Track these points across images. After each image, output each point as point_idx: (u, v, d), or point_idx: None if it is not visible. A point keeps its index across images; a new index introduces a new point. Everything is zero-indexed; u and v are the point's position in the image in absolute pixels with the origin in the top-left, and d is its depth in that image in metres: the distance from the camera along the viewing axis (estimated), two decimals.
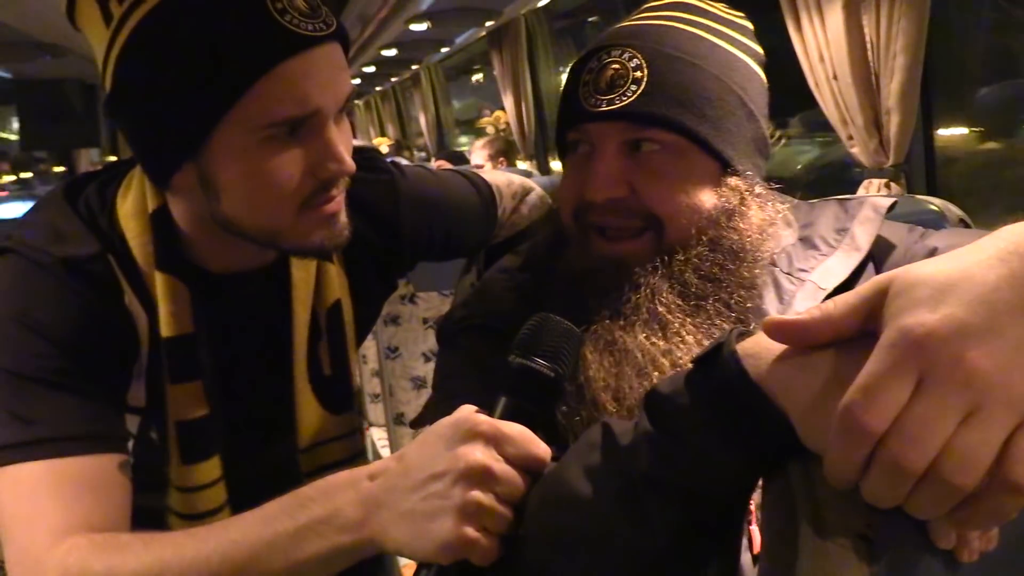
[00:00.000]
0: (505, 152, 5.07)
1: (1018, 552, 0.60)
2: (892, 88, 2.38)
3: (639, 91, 0.87)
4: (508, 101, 6.02)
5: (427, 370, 2.88)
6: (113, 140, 6.68)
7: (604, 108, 0.88)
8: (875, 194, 0.95)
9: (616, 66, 0.89)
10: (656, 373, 0.83)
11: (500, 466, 0.68)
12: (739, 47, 0.94)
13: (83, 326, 0.89)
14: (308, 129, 0.85)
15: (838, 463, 0.49)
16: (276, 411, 1.04)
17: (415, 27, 5.25)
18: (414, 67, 8.10)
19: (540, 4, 4.97)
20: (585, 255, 0.92)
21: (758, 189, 0.92)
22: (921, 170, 2.61)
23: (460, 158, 5.48)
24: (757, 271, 0.89)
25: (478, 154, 5.05)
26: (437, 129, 8.32)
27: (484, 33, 5.84)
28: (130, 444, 0.95)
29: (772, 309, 0.89)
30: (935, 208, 1.40)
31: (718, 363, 0.57)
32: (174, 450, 0.97)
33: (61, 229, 0.93)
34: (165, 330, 0.94)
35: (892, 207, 0.94)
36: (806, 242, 0.94)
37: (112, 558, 0.80)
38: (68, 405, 0.87)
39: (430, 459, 0.70)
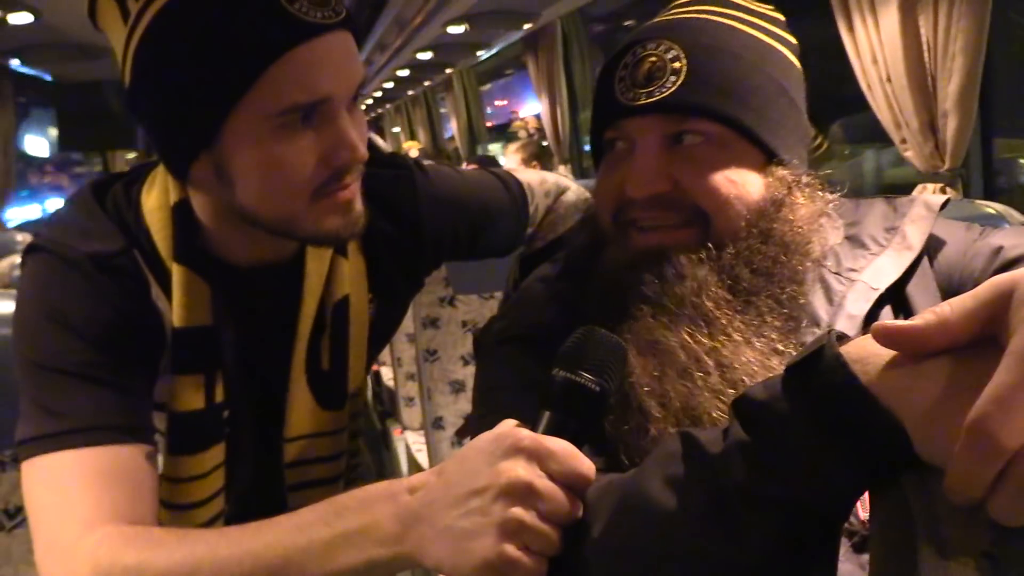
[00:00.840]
0: (538, 156, 5.05)
1: None
2: (950, 90, 2.32)
3: (679, 82, 0.85)
4: (543, 105, 6.00)
5: (466, 373, 2.86)
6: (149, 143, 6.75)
7: (643, 101, 0.85)
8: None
9: (653, 59, 0.86)
10: (700, 374, 0.80)
11: (543, 483, 0.66)
12: (774, 37, 0.92)
13: (111, 321, 0.90)
14: (320, 117, 0.86)
15: (965, 479, 0.46)
16: (270, 399, 1.05)
17: (453, 30, 5.25)
18: (448, 71, 8.10)
19: (578, 6, 4.94)
20: (624, 250, 0.89)
21: (805, 180, 0.89)
22: (979, 174, 2.54)
23: (492, 163, 5.46)
24: (809, 264, 0.87)
25: (511, 158, 5.04)
26: (469, 134, 8.31)
27: (520, 37, 5.83)
28: (158, 439, 0.95)
29: (821, 310, 0.86)
30: (994, 212, 1.35)
31: (821, 368, 0.53)
32: (164, 440, 0.98)
33: (88, 226, 0.95)
34: (176, 321, 0.95)
35: (944, 205, 0.91)
36: (854, 241, 0.91)
37: (144, 552, 0.80)
38: (97, 397, 0.88)
39: (471, 474, 0.68)
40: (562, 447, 0.68)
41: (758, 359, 0.81)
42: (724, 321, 0.82)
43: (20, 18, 3.81)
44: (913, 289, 0.86)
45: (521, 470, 0.66)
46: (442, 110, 9.64)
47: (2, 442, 1.11)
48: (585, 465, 0.68)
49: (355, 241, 1.07)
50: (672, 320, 0.83)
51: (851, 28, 2.55)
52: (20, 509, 1.12)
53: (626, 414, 0.81)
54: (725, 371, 0.80)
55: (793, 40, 0.93)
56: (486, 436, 0.70)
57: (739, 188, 0.85)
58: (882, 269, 0.86)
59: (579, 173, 5.75)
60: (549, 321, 0.91)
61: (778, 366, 0.81)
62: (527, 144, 5.29)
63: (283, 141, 0.85)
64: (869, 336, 0.52)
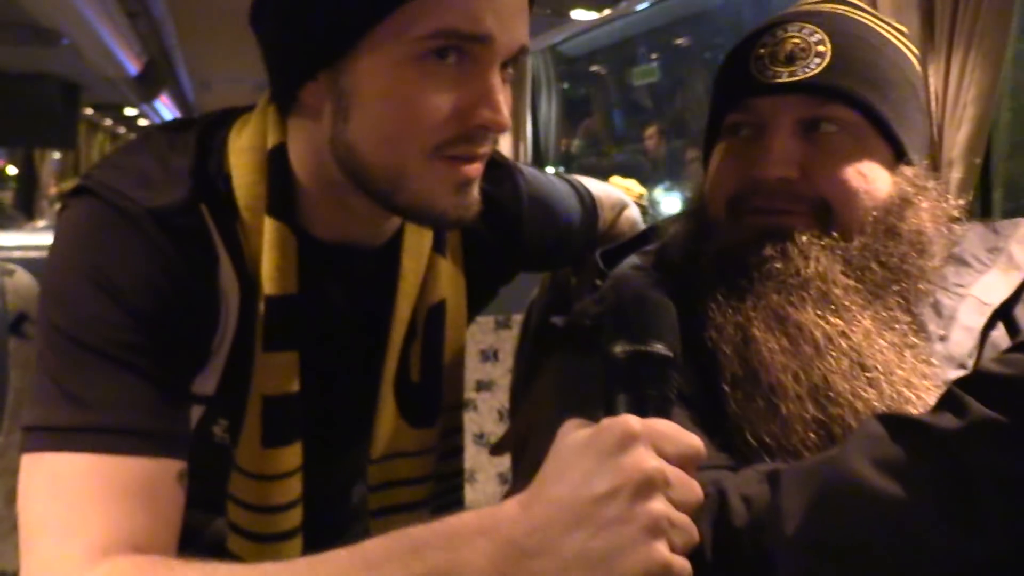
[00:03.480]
0: None
1: None
2: (958, 139, 2.38)
3: (823, 64, 0.83)
4: (505, 140, 6.01)
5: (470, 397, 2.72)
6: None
7: (784, 79, 0.84)
8: None
9: (796, 40, 0.85)
10: (834, 353, 0.77)
11: (671, 469, 0.58)
12: (902, 43, 0.92)
13: (165, 293, 0.76)
14: (472, 61, 0.75)
15: None
16: (356, 412, 0.93)
17: None
18: None
19: (558, 41, 5.01)
20: (740, 231, 0.86)
21: (931, 183, 0.89)
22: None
23: None
24: (938, 263, 0.86)
25: None
26: None
27: None
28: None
29: (930, 322, 0.85)
30: None
31: None
32: (255, 430, 0.84)
33: (151, 174, 0.79)
34: (268, 287, 0.81)
35: None
36: (956, 259, 0.91)
37: None
38: (132, 390, 0.73)
39: (584, 482, 0.57)
40: (669, 426, 0.60)
41: (892, 350, 0.78)
42: (855, 309, 0.80)
43: None
44: (1020, 310, 0.86)
45: (649, 460, 0.57)
46: None
47: None
48: (696, 440, 0.60)
49: (455, 239, 0.96)
50: (799, 298, 0.80)
51: None
52: None
53: (754, 393, 0.78)
54: (856, 357, 0.77)
55: (916, 50, 0.93)
56: (580, 436, 0.60)
57: (868, 183, 0.84)
58: (992, 286, 0.87)
59: None
60: None
61: (913, 360, 0.79)
62: None
63: (422, 74, 0.73)
64: None
